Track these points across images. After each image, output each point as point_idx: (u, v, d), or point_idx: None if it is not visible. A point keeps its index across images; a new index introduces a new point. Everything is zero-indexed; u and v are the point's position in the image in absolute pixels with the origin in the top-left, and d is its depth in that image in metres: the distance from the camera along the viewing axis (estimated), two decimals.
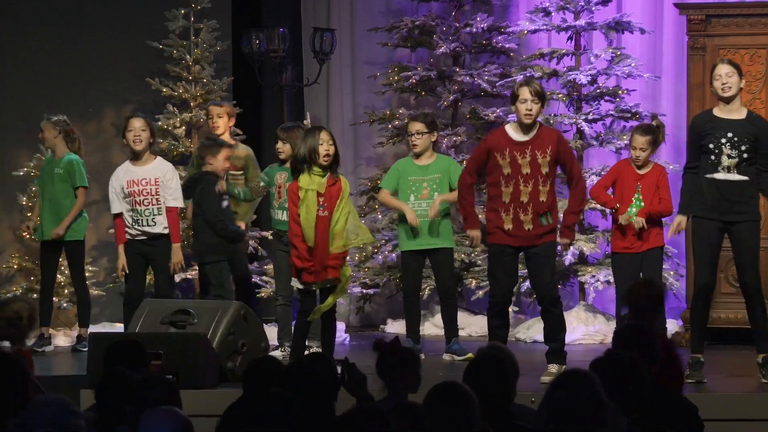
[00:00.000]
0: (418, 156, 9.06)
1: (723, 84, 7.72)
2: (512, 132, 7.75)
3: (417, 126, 9.05)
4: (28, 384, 4.93)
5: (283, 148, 9.07)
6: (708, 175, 7.70)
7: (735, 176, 7.63)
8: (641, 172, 8.75)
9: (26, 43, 11.49)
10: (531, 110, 7.64)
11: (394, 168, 9.24)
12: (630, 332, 5.49)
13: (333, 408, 4.86)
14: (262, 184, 9.20)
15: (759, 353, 7.69)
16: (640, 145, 8.73)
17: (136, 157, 9.16)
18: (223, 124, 9.66)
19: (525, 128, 7.69)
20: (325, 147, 7.68)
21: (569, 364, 7.71)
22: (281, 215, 9.03)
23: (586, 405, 4.02)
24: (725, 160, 7.65)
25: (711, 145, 7.66)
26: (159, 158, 9.34)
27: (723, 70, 7.75)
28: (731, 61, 7.95)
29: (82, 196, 9.80)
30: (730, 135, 7.64)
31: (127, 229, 9.07)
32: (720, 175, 7.65)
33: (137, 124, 9.14)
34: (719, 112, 7.78)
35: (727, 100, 7.72)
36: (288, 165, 8.98)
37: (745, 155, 7.64)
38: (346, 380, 5.20)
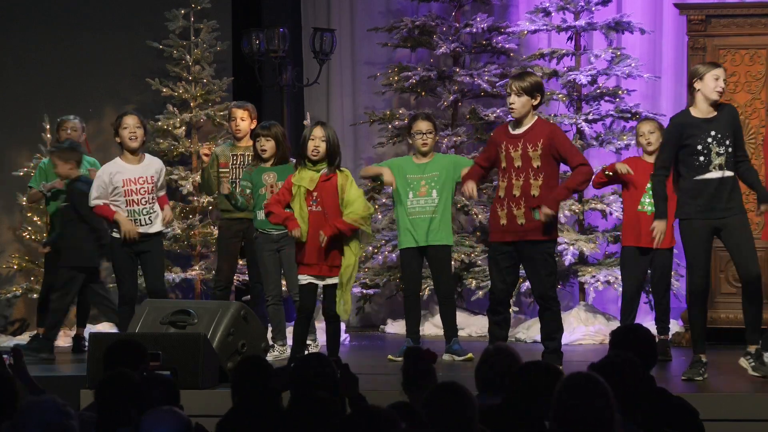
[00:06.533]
0: (425, 155, 9.03)
1: (721, 88, 7.67)
2: (510, 126, 7.93)
3: (428, 125, 9.03)
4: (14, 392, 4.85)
5: (267, 145, 8.84)
6: (698, 177, 7.62)
7: (726, 173, 7.62)
8: (653, 161, 8.77)
9: (26, 43, 11.49)
10: (513, 104, 7.83)
11: (394, 160, 9.27)
12: (626, 333, 5.48)
13: None
14: (248, 191, 8.79)
15: (751, 344, 7.70)
16: (649, 129, 8.84)
17: (130, 154, 9.05)
18: (245, 126, 9.37)
19: (517, 122, 7.85)
20: (315, 143, 7.72)
21: (569, 365, 7.72)
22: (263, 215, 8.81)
23: (598, 412, 3.97)
24: (715, 159, 7.62)
25: (699, 146, 7.60)
26: (147, 155, 9.29)
27: (723, 74, 7.68)
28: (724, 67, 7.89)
29: None
30: (713, 133, 7.62)
31: (116, 229, 8.96)
32: (712, 175, 7.60)
33: (131, 121, 9.04)
34: (697, 112, 7.70)
35: (714, 103, 7.69)
36: (272, 165, 8.85)
37: (730, 149, 7.64)
38: (339, 380, 5.21)
